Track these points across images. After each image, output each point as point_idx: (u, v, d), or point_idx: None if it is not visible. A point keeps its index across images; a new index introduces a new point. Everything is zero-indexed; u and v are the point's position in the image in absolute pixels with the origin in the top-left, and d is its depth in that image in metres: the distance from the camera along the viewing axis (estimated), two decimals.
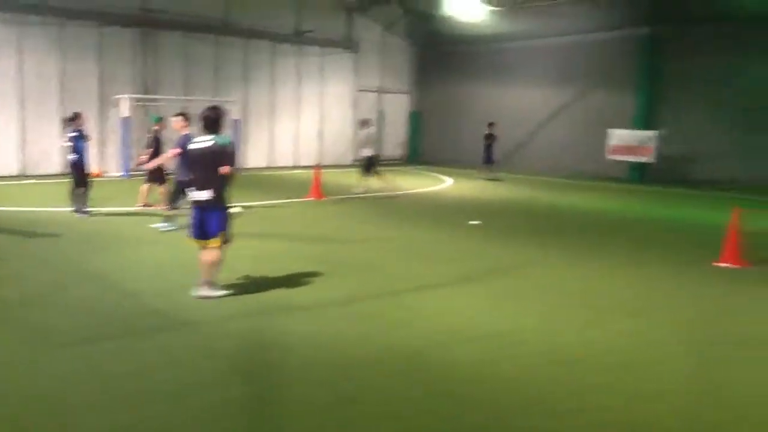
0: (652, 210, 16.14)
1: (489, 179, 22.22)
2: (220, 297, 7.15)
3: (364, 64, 28.44)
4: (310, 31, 25.96)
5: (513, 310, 7.17)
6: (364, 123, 18.32)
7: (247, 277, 8.19)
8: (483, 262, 9.67)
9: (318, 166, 17.91)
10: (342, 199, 16.16)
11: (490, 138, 23.11)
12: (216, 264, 7.19)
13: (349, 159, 27.00)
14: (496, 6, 25.09)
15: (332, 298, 7.44)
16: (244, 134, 24.32)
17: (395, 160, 29.29)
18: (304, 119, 26.88)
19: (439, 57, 29.43)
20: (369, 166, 17.50)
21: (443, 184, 21.18)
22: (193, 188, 7.17)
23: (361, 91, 28.43)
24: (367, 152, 17.64)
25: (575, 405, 4.79)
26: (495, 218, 13.87)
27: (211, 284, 7.23)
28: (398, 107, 30.10)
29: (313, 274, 8.45)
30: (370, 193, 17.15)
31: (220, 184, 7.02)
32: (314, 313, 6.87)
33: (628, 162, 22.82)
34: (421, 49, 30.00)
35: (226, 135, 7.44)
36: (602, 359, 5.74)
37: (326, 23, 26.70)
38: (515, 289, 8.07)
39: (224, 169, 6.97)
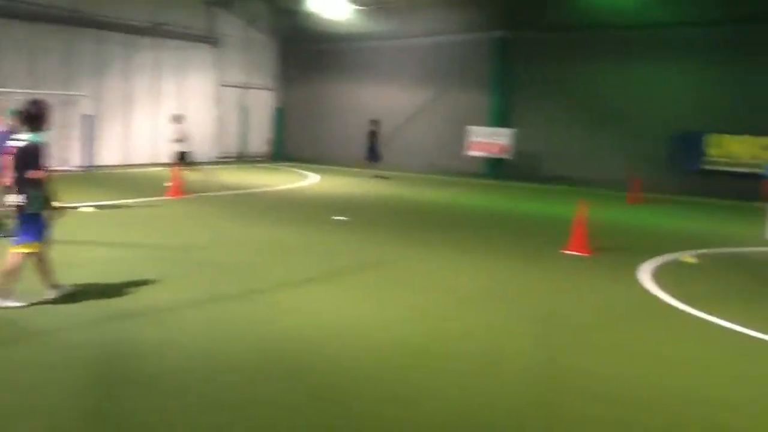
0: (508, 204, 16.94)
1: (375, 176, 22.29)
2: (12, 308, 6.44)
3: (227, 59, 27.76)
4: (168, 24, 25.02)
5: (375, 305, 7.25)
6: (176, 118, 17.87)
7: (96, 282, 7.69)
8: (347, 258, 9.72)
9: (177, 164, 17.27)
10: (203, 197, 15.70)
11: (373, 135, 23.25)
12: (12, 273, 6.52)
13: (212, 156, 26.29)
14: (360, 5, 25.37)
15: (189, 300, 7.15)
16: (97, 130, 23.03)
17: (260, 157, 28.89)
18: (164, 115, 25.84)
19: (303, 53, 29.30)
20: (182, 161, 17.17)
21: (309, 180, 21.12)
22: (11, 191, 6.54)
23: (224, 86, 27.76)
24: (181, 148, 17.35)
25: (424, 393, 4.91)
26: (361, 214, 13.99)
27: (5, 293, 6.51)
28: (262, 103, 29.68)
29: (169, 277, 8.11)
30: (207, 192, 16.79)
31: (32, 188, 6.41)
32: (169, 318, 6.55)
33: (485, 158, 23.81)
34: (285, 45, 29.74)
35: (42, 134, 6.71)
36: (457, 348, 5.93)
37: (186, 16, 25.84)
38: (378, 284, 8.17)
39: (35, 173, 6.38)
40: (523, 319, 6.84)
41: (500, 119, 23.97)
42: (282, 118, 30.05)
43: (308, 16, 26.62)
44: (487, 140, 23.60)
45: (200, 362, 5.38)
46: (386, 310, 7.04)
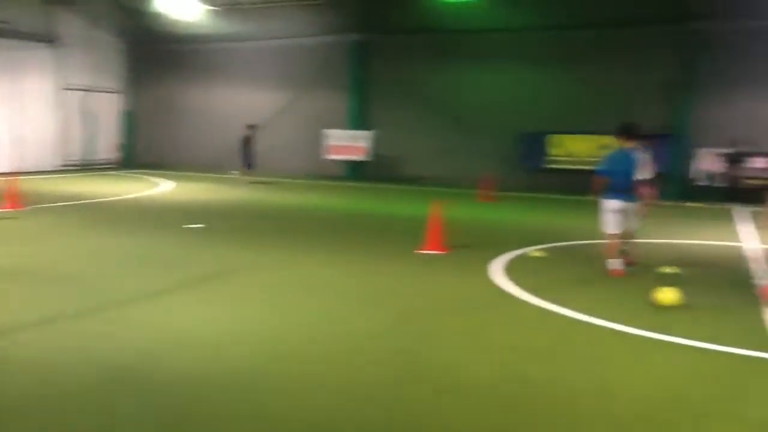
0: (367, 206, 17.11)
1: (253, 182, 21.65)
2: None
3: (69, 60, 26.04)
4: (6, 22, 23.09)
5: (235, 313, 7.02)
6: None
7: None
8: (199, 267, 9.33)
9: (15, 173, 15.97)
10: (44, 207, 14.62)
11: (248, 140, 22.54)
12: None
13: (54, 164, 24.60)
14: (212, 5, 24.69)
15: (25, 320, 6.57)
16: None
17: (109, 164, 27.38)
18: None
19: (153, 55, 28.11)
20: None
21: (161, 188, 20.26)
22: None
23: (66, 89, 26.03)
24: None
25: (279, 401, 4.81)
26: (218, 221, 13.57)
27: None
28: (110, 107, 28.09)
29: (12, 292, 7.47)
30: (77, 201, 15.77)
31: None
32: (3, 341, 6.00)
33: (345, 161, 23.97)
34: (133, 46, 28.36)
35: None
36: (312, 351, 5.86)
37: (21, 14, 23.96)
38: (233, 292, 7.93)
39: None
40: (378, 318, 6.89)
41: (359, 122, 24.22)
42: (132, 123, 28.64)
43: (156, 16, 25.53)
44: (346, 143, 23.77)
45: (41, 389, 4.94)
46: (240, 319, 6.83)
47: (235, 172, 22.70)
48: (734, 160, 18.98)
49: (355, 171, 23.96)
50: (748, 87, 19.40)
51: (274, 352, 5.80)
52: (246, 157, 22.49)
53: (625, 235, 9.21)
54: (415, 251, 10.45)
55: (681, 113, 20.19)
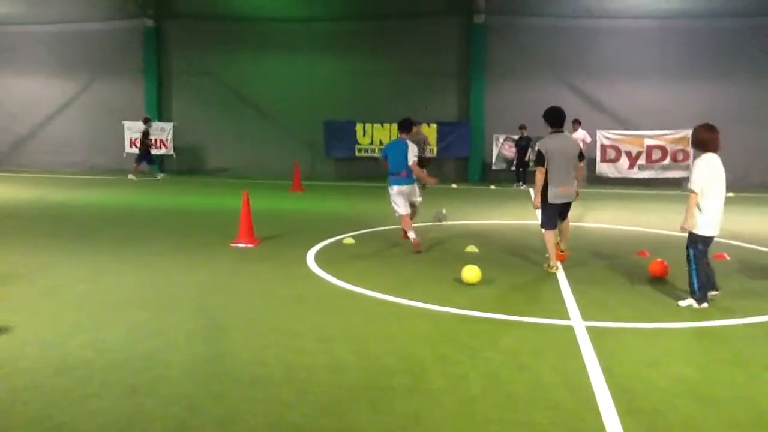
0: (172, 200, 16.39)
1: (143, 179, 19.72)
2: None
3: None
4: None
5: (29, 323, 6.35)
6: None
7: None
8: None
9: None
10: None
11: (146, 136, 20.68)
12: None
13: None
14: None
15: None
16: None
17: None
18: None
19: None
20: None
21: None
22: None
23: None
24: None
25: (85, 414, 4.46)
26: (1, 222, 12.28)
27: None
28: None
29: None
30: None
31: None
32: None
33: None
34: None
35: None
36: (118, 357, 5.49)
37: None
38: (26, 299, 7.21)
39: None
40: (187, 316, 6.60)
41: (157, 112, 23.09)
42: None
43: None
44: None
45: None
46: (42, 327, 6.22)
47: (132, 176, 20.62)
48: (521, 145, 20.62)
49: (156, 164, 22.85)
50: (530, 76, 21.16)
51: (76, 363, 5.33)
52: (144, 154, 20.73)
53: (413, 213, 10.21)
54: (227, 245, 10.18)
55: (475, 102, 21.56)
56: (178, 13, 22.83)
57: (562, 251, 9.06)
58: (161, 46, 23.14)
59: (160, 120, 22.82)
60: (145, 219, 13.51)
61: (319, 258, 9.34)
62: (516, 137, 20.66)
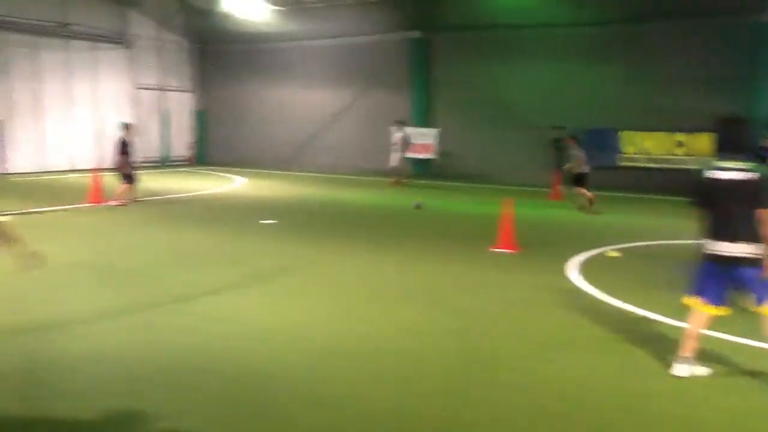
0: (435, 203, 17.10)
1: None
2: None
3: (141, 60, 26.96)
4: (73, 24, 24.05)
5: (301, 307, 7.21)
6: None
7: (5, 293, 7.39)
8: (273, 260, 9.61)
9: (95, 169, 16.63)
10: (125, 203, 15.18)
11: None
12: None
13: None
14: (277, 5, 25.13)
15: (110, 310, 6.93)
16: (9, 135, 21.99)
17: (183, 161, 28.23)
18: (78, 119, 24.89)
19: (221, 55, 28.80)
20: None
21: (234, 184, 20.75)
22: None
23: (140, 89, 26.94)
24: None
25: (349, 395, 4.92)
26: (289, 217, 13.86)
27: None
28: (182, 106, 28.97)
29: (89, 286, 7.86)
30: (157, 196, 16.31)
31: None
32: (88, 330, 6.33)
33: (411, 158, 23.98)
34: (202, 46, 29.14)
35: None
36: (385, 347, 5.96)
37: (95, 16, 24.95)
38: (304, 286, 8.13)
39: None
40: (450, 317, 6.94)
41: (422, 119, 24.23)
42: (203, 121, 29.44)
43: (223, 16, 26.16)
44: (414, 141, 23.73)
45: (121, 374, 5.24)
46: (314, 313, 7.00)
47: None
48: None
49: (421, 168, 23.97)
50: None
51: (332, 349, 5.92)
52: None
53: None
54: (488, 249, 10.43)
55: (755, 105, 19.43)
56: (444, 25, 23.75)
57: None
58: (427, 56, 24.28)
59: (425, 126, 23.94)
60: (409, 220, 14.31)
61: (582, 269, 9.19)
62: None
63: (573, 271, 9.07)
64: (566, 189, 15.47)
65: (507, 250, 10.34)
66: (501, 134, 22.90)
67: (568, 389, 5.05)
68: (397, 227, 13.22)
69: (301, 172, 24.60)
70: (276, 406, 4.70)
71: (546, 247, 10.99)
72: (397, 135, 21.79)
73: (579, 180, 15.62)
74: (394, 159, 21.65)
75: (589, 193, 15.49)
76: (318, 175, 23.80)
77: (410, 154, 23.69)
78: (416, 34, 24.11)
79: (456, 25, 23.41)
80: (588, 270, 9.12)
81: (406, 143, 21.99)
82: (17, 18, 22.38)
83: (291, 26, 25.92)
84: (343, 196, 18.10)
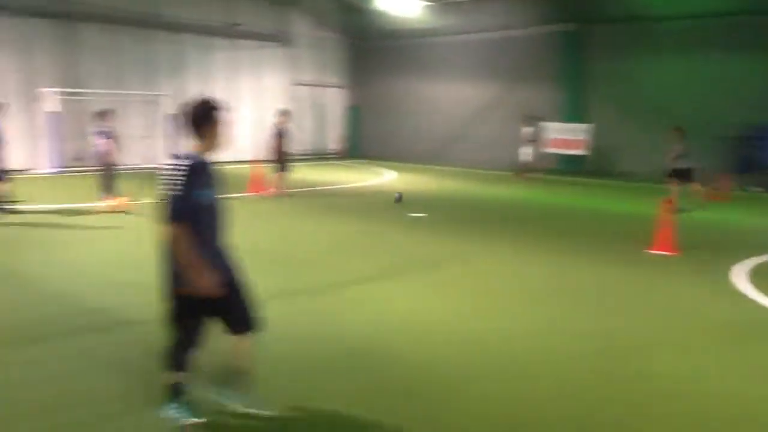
0: (585, 201, 16.62)
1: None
2: None
3: (299, 57, 28.26)
4: (240, 24, 25.62)
5: (452, 301, 7.28)
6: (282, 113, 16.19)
7: None
8: (422, 253, 9.77)
9: (256, 161, 17.68)
10: (283, 193, 15.99)
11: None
12: None
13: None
14: (428, 1, 25.35)
15: (271, 293, 7.33)
16: (178, 129, 23.80)
17: (335, 154, 29.29)
18: (240, 113, 26.47)
19: (373, 51, 29.50)
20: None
21: (384, 177, 21.23)
22: None
23: (296, 84, 28.24)
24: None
25: (498, 393, 4.91)
26: (437, 211, 14.01)
27: None
28: (336, 101, 30.07)
29: (250, 270, 8.35)
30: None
31: None
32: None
33: (559, 154, 23.39)
34: (356, 43, 30.01)
35: None
36: (527, 346, 5.89)
37: (258, 16, 26.46)
38: (452, 279, 8.20)
39: None
40: (602, 318, 6.73)
41: (573, 114, 23.53)
42: (355, 116, 30.35)
43: (377, 13, 26.77)
44: (563, 136, 23.18)
45: (282, 353, 5.57)
46: (461, 306, 7.06)
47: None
48: None
49: (571, 165, 23.31)
50: None
51: (481, 343, 5.92)
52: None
53: None
54: (644, 251, 10.00)
55: None
56: (599, 17, 22.85)
57: None
58: (580, 49, 23.48)
59: (576, 122, 23.23)
60: (558, 217, 13.99)
61: (750, 276, 8.58)
62: None
63: (740, 277, 8.50)
64: (677, 185, 14.37)
65: (665, 252, 9.85)
66: (653, 131, 21.72)
67: (730, 407, 4.77)
68: (547, 224, 12.97)
69: (447, 166, 24.73)
70: (428, 396, 4.80)
71: (708, 250, 10.36)
72: (526, 130, 21.74)
73: (683, 175, 14.45)
74: (525, 153, 21.67)
75: (698, 188, 14.61)
76: (464, 169, 23.84)
77: (559, 150, 23.13)
78: (570, 26, 23.40)
79: (612, 17, 22.46)
80: (758, 277, 8.50)
81: (535, 138, 21.94)
82: (188, 20, 24.16)
83: (441, 21, 26.09)
84: (489, 192, 18.00)
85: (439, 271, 8.73)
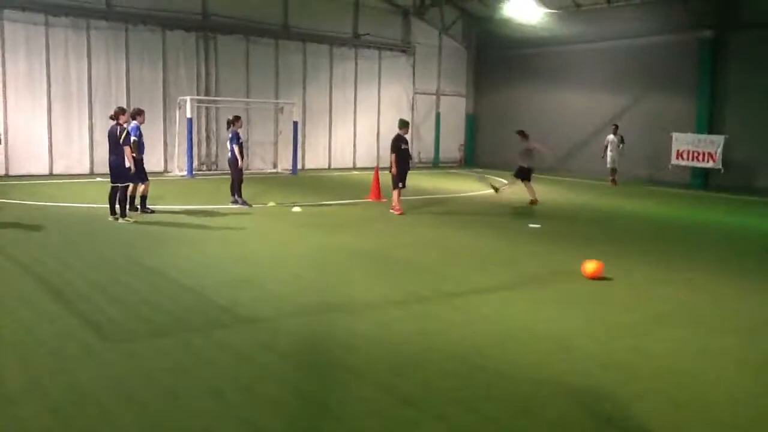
0: (721, 217, 15.64)
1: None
2: None
3: (421, 66, 28.54)
4: (367, 34, 26.19)
5: (567, 314, 7.07)
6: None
7: (305, 275, 8.33)
8: (542, 265, 9.56)
9: (375, 168, 18.00)
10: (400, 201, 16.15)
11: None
12: None
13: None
14: (553, 8, 24.85)
15: (390, 298, 7.48)
16: (303, 136, 24.66)
17: (453, 163, 29.30)
18: (362, 121, 27.08)
19: (495, 60, 29.26)
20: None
21: (501, 187, 20.95)
22: None
23: (418, 93, 28.50)
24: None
25: (620, 410, 4.71)
26: (555, 222, 13.69)
27: None
28: (455, 110, 30.06)
29: (370, 274, 8.53)
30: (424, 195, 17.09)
31: None
32: (372, 313, 6.91)
33: (690, 167, 22.21)
34: (477, 52, 29.91)
35: None
36: (661, 365, 5.62)
37: (383, 26, 26.94)
38: (571, 293, 7.95)
39: None
40: (737, 343, 6.31)
41: (708, 126, 22.26)
42: (473, 125, 30.21)
43: (500, 22, 26.55)
44: (695, 148, 21.98)
45: (393, 357, 5.61)
46: (581, 322, 6.81)
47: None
48: None
49: (703, 179, 22.07)
50: None
51: (621, 363, 5.68)
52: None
53: None
54: None
55: None
56: (743, 23, 21.49)
57: None
58: (719, 57, 22.18)
59: (710, 133, 21.97)
60: (691, 233, 13.28)
61: None
62: None
63: None
64: None
65: None
66: None
67: None
68: (676, 242, 12.31)
69: (570, 177, 24.08)
70: (549, 413, 4.69)
71: None
72: (609, 137, 22.47)
73: None
74: (610, 160, 22.40)
75: None
76: (589, 181, 23.12)
77: (689, 163, 21.97)
78: (708, 33, 22.15)
79: (754, 24, 21.11)
80: None
81: (615, 145, 22.40)
82: (318, 32, 24.98)
83: (567, 29, 25.50)
84: (615, 204, 17.33)
85: (560, 284, 8.46)
